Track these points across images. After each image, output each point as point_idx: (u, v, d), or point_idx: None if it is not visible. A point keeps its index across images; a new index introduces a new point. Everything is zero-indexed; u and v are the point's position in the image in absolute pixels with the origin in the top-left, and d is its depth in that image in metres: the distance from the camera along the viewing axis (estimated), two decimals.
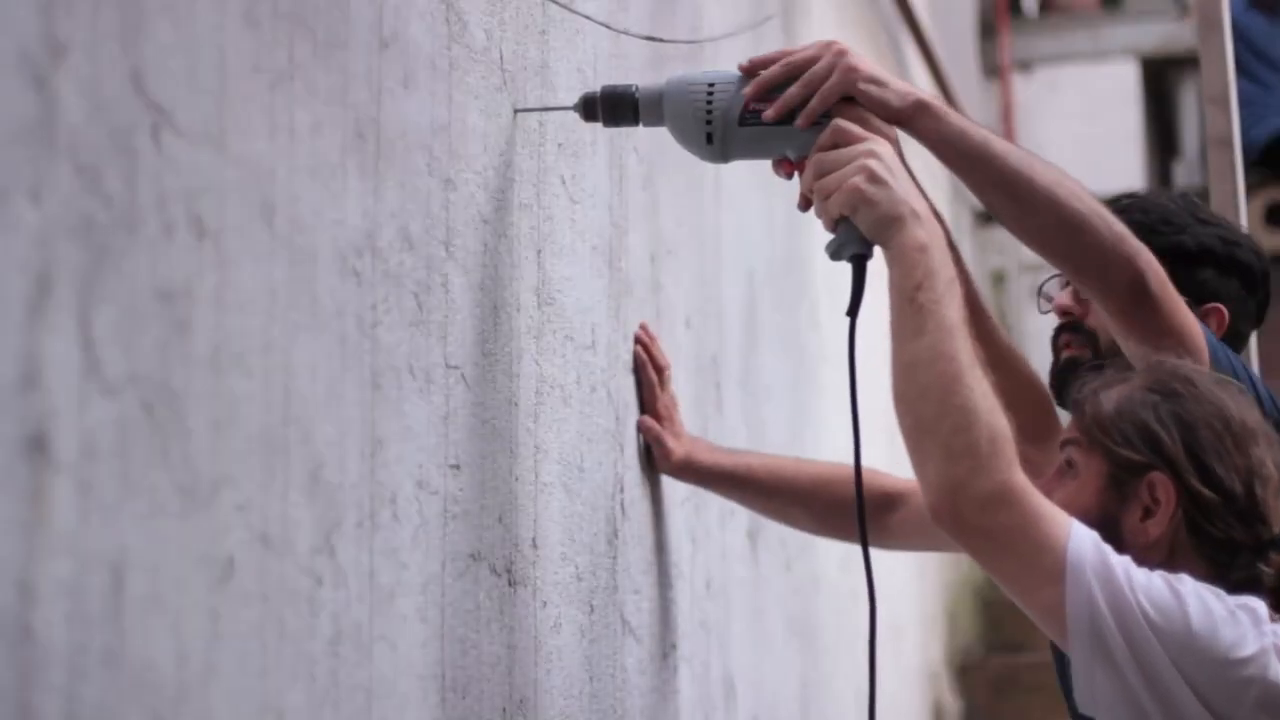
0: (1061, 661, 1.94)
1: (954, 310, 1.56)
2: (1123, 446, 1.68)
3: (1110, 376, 1.76)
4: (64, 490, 0.98)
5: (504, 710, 1.63)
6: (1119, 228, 1.77)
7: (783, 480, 2.21)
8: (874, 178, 1.59)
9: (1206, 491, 1.65)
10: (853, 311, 1.64)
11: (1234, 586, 1.61)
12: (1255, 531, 1.67)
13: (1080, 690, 1.54)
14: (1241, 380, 1.84)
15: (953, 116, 1.72)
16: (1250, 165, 4.09)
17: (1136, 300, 1.77)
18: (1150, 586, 1.55)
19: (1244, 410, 1.70)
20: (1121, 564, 1.55)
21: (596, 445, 1.95)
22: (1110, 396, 1.71)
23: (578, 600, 1.86)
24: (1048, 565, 1.53)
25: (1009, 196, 1.74)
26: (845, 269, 1.67)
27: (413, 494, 1.46)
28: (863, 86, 1.67)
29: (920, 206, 1.60)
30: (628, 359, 2.09)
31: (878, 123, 1.67)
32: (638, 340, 2.12)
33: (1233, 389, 1.73)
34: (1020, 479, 1.53)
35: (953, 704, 5.05)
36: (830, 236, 1.65)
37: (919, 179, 1.67)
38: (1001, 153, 1.73)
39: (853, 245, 1.63)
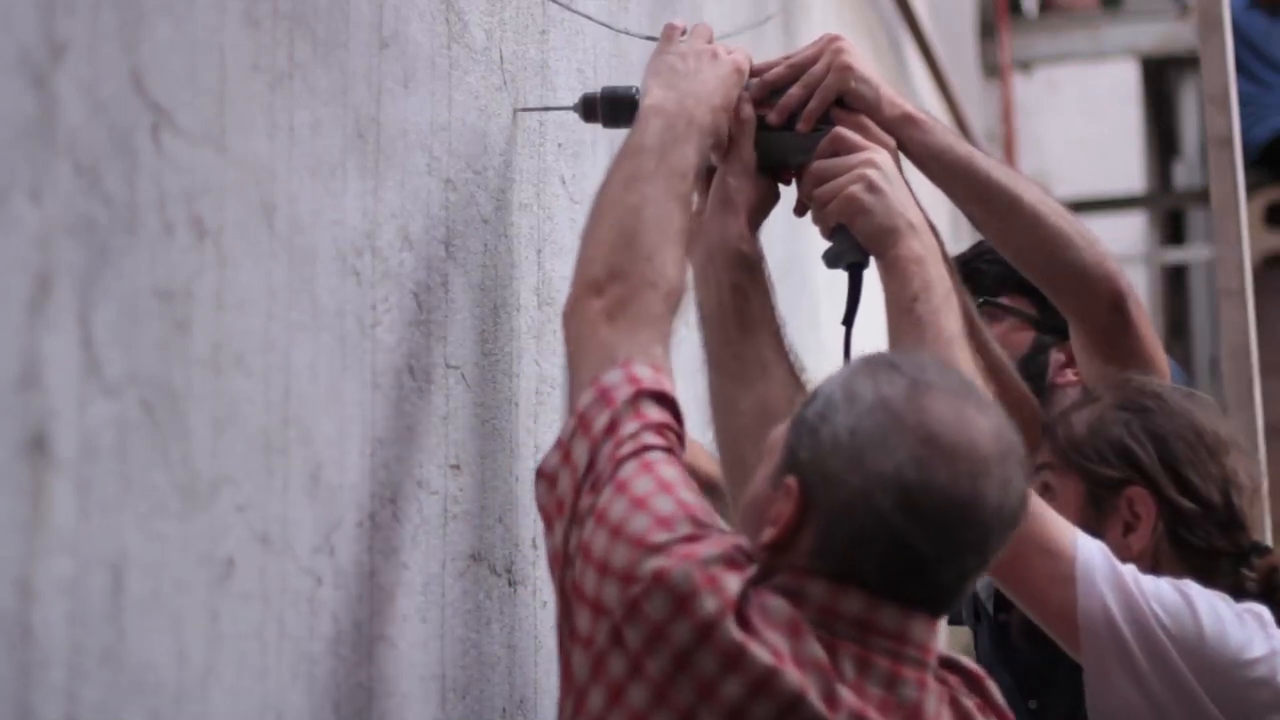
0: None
1: (953, 321, 1.56)
2: (1099, 464, 1.68)
3: (1079, 400, 1.76)
4: (64, 490, 0.98)
5: (504, 710, 1.63)
6: (1101, 248, 1.77)
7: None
8: (872, 187, 1.58)
9: (1185, 502, 1.66)
10: (848, 320, 1.64)
11: None
12: (1235, 539, 1.68)
13: (1093, 695, 1.54)
14: None
15: (939, 130, 1.72)
16: (1250, 165, 4.09)
17: (1114, 320, 1.78)
18: (1159, 592, 1.55)
19: (1214, 421, 1.70)
20: (1130, 571, 1.55)
21: None
22: (1081, 417, 1.71)
23: None
24: (1058, 572, 1.53)
25: (993, 211, 1.74)
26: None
27: (413, 494, 1.46)
28: (855, 86, 1.68)
29: (916, 218, 1.59)
30: None
31: (877, 131, 1.67)
32: None
33: (1201, 401, 1.74)
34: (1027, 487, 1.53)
35: None
36: (827, 244, 1.65)
37: (915, 190, 1.66)
38: (985, 168, 1.73)
39: (849, 254, 1.63)
